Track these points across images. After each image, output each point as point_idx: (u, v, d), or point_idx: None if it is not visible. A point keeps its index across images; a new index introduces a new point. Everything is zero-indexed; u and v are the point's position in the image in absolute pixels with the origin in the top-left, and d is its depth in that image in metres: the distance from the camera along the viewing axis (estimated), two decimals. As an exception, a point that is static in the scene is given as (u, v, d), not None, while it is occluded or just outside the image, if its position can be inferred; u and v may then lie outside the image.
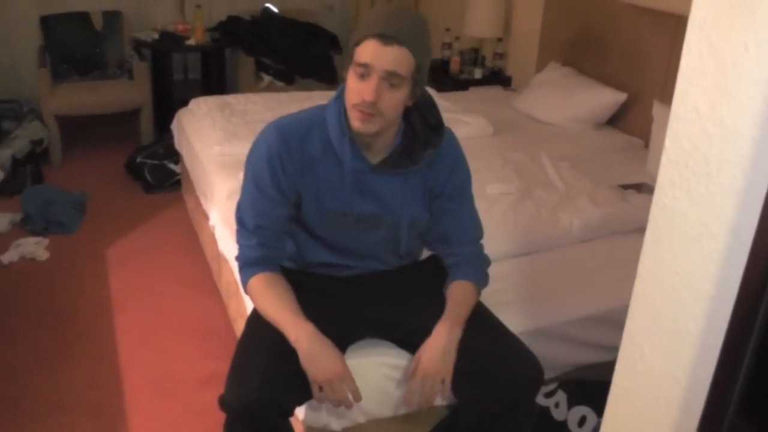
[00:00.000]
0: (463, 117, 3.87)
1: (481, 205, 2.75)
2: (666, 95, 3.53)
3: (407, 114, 1.93)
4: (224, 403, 1.77)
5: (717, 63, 0.94)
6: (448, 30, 5.28)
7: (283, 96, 4.19)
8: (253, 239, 1.91)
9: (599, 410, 1.81)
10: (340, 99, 1.87)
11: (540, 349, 2.02)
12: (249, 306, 2.05)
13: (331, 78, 5.40)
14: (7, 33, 5.19)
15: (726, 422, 1.03)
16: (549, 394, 2.32)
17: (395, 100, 1.78)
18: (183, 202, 4.14)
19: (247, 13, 5.61)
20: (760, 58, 0.88)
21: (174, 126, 4.03)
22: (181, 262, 3.63)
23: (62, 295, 3.30)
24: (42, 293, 3.32)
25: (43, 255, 3.61)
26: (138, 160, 4.49)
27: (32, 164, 4.43)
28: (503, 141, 3.73)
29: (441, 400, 1.98)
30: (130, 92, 4.96)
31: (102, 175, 4.62)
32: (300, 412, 1.94)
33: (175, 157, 4.31)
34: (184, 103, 4.03)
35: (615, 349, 1.21)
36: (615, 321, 2.10)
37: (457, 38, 5.18)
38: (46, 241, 3.72)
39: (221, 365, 1.89)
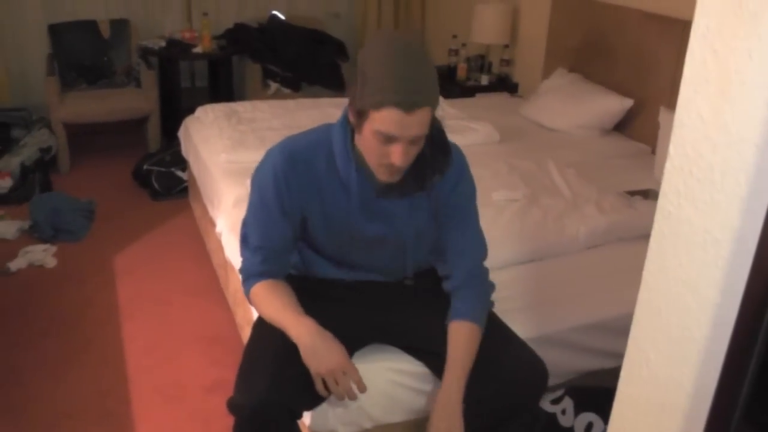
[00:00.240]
0: (469, 124, 3.87)
1: (487, 212, 2.77)
2: (673, 101, 3.51)
3: None
4: (233, 406, 1.77)
5: (720, 70, 0.94)
6: (454, 37, 5.29)
7: (290, 103, 4.20)
8: (257, 256, 1.91)
9: (606, 417, 1.81)
10: (345, 123, 1.84)
11: (547, 355, 2.01)
12: (256, 313, 2.06)
13: (338, 85, 5.41)
14: (17, 41, 5.23)
15: (731, 428, 1.03)
16: (556, 401, 2.32)
17: (418, 150, 1.76)
18: (190, 209, 4.15)
19: (254, 21, 5.63)
20: (763, 65, 0.89)
21: (181, 133, 4.04)
22: (188, 269, 3.64)
23: (70, 302, 3.31)
24: (50, 300, 3.33)
25: (51, 262, 3.63)
26: (145, 167, 4.51)
27: (41, 172, 4.46)
28: (510, 148, 3.73)
29: None
30: (137, 100, 4.98)
31: (109, 182, 4.64)
32: (307, 417, 1.94)
33: (182, 164, 4.32)
34: (192, 110, 4.05)
35: (621, 355, 1.21)
36: (621, 328, 2.08)
37: (464, 45, 5.19)
38: (54, 249, 3.74)
39: (228, 372, 1.89)
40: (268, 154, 1.91)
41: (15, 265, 3.56)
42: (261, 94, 5.18)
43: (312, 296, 1.96)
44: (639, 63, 3.86)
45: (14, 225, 3.90)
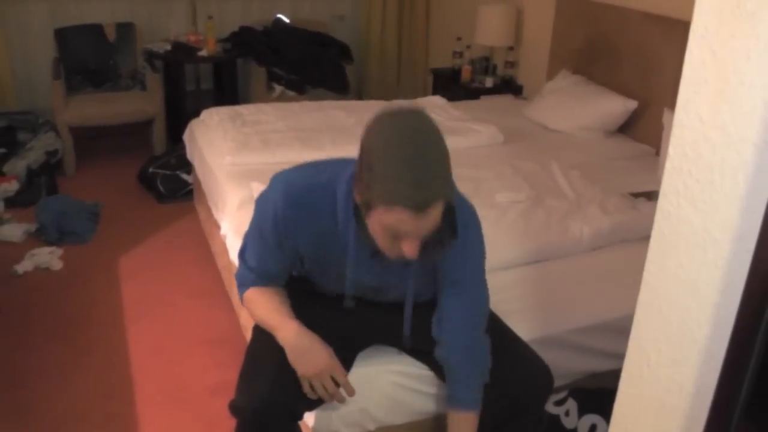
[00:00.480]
0: (473, 125, 3.88)
1: (491, 214, 2.77)
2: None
3: None
4: (234, 408, 1.78)
5: (719, 70, 0.94)
6: (459, 39, 5.30)
7: (295, 106, 4.20)
8: (251, 275, 1.90)
9: (609, 418, 1.81)
10: (351, 180, 1.67)
11: (550, 357, 2.02)
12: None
13: (342, 88, 5.42)
14: (23, 45, 5.25)
15: (731, 428, 1.03)
16: (559, 402, 2.32)
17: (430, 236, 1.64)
18: (195, 212, 4.16)
19: (259, 24, 5.64)
20: (761, 65, 0.89)
21: (186, 136, 4.06)
22: (193, 271, 3.65)
23: (75, 305, 3.33)
24: (56, 303, 3.34)
25: (57, 265, 3.64)
26: (150, 170, 4.53)
27: (47, 175, 4.48)
28: (514, 149, 3.73)
29: None
30: (142, 103, 5.00)
31: (115, 185, 4.66)
32: (309, 418, 1.95)
33: (188, 167, 4.34)
34: (197, 113, 4.06)
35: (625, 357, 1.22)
36: (625, 329, 2.07)
37: (468, 47, 5.19)
38: (60, 251, 3.75)
39: (233, 374, 1.89)
40: (273, 188, 1.80)
41: (21, 267, 3.58)
42: (266, 97, 5.19)
43: (313, 297, 1.96)
44: (643, 64, 3.86)
45: (20, 228, 3.92)
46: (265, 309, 1.87)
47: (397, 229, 1.54)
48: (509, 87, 5.07)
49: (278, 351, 1.82)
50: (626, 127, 3.99)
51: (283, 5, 5.90)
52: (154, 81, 5.01)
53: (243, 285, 1.93)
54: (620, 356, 1.15)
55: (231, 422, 1.80)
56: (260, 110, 4.06)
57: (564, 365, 2.26)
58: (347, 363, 1.93)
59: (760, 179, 0.92)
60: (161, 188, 4.45)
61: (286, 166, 1.86)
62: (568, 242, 2.71)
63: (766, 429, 1.04)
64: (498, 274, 2.44)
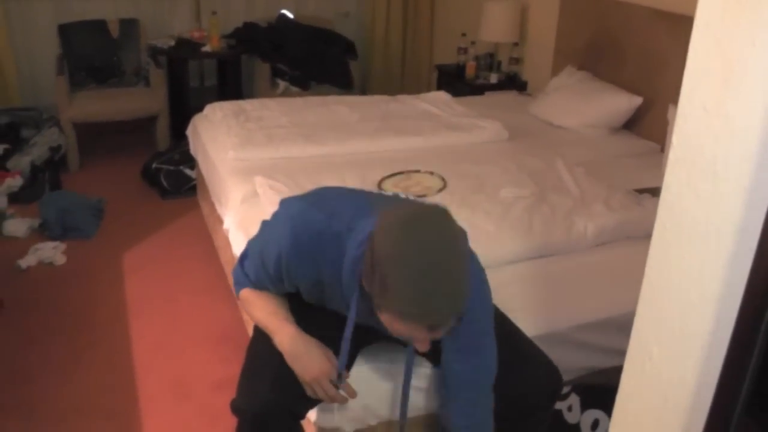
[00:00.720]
0: (478, 122, 3.87)
1: (495, 209, 2.76)
2: (682, 99, 3.50)
3: None
4: (236, 408, 1.77)
5: (723, 60, 0.93)
6: (464, 35, 5.28)
7: (299, 101, 4.19)
8: (250, 282, 1.88)
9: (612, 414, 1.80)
10: (363, 245, 1.56)
11: (554, 352, 2.01)
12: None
13: (346, 84, 5.41)
14: (27, 42, 5.25)
15: (733, 423, 1.02)
16: (562, 397, 2.31)
17: None
18: (198, 207, 4.16)
19: (263, 20, 5.63)
20: (766, 53, 0.87)
21: (189, 132, 4.05)
22: (196, 267, 3.65)
23: (79, 300, 3.33)
24: (59, 297, 3.34)
25: (60, 260, 3.64)
26: (154, 166, 4.53)
27: (50, 171, 4.48)
28: (518, 146, 3.72)
29: None
30: (146, 99, 5.00)
31: (119, 181, 4.66)
32: (312, 414, 1.94)
33: (191, 162, 4.33)
34: (200, 109, 4.05)
35: (627, 352, 1.21)
36: (629, 326, 2.07)
37: (473, 43, 5.18)
38: (63, 246, 3.75)
39: (236, 370, 1.89)
40: (281, 223, 1.73)
41: (25, 262, 3.58)
42: (270, 93, 5.18)
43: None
44: (648, 61, 3.84)
45: (25, 223, 3.92)
46: (262, 311, 1.85)
47: (409, 336, 1.50)
48: (514, 83, 5.05)
49: (278, 351, 1.80)
50: (631, 124, 3.97)
51: (287, 1, 5.89)
52: (158, 77, 5.01)
53: (239, 284, 1.91)
54: (624, 353, 1.14)
55: (234, 418, 1.80)
56: (264, 105, 4.05)
57: (567, 361, 2.25)
58: (350, 360, 1.92)
59: (765, 170, 0.90)
60: (165, 184, 4.45)
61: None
62: (572, 238, 2.69)
63: (767, 426, 1.03)
64: (502, 270, 2.43)
